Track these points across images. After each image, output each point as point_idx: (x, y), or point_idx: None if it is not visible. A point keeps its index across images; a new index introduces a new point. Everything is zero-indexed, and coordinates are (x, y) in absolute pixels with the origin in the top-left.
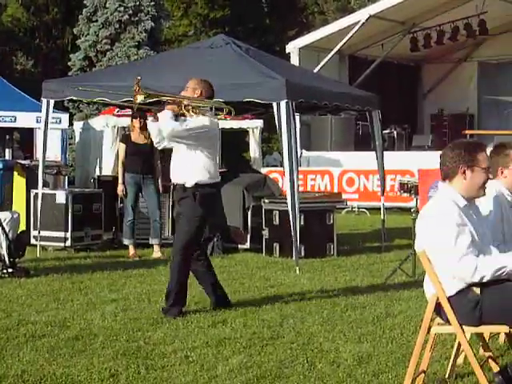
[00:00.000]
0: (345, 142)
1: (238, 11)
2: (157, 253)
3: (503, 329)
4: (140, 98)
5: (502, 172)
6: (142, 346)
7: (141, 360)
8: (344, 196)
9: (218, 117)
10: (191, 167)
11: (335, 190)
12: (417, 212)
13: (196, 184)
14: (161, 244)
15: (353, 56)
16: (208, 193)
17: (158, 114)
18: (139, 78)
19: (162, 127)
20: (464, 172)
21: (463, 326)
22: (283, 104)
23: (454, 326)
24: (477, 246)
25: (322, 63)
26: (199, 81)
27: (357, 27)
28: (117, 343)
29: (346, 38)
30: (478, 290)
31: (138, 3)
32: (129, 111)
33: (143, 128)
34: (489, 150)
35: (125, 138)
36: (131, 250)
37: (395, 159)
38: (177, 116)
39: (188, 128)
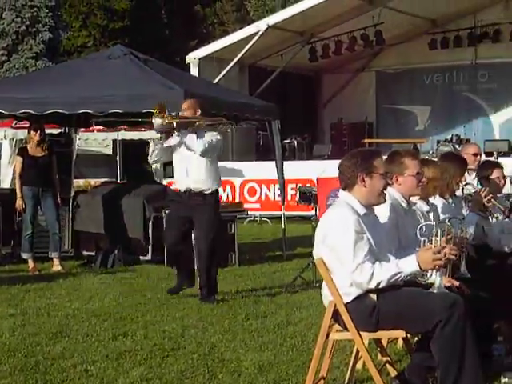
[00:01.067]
0: (246, 152)
1: (137, 22)
2: (57, 266)
3: (400, 334)
4: (161, 122)
5: (397, 179)
6: (40, 360)
7: (39, 375)
8: (246, 206)
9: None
10: (209, 176)
11: (237, 200)
12: (316, 220)
13: (216, 191)
14: (60, 257)
15: (253, 66)
16: (219, 199)
17: (187, 140)
18: (163, 102)
19: (194, 148)
20: (363, 179)
21: (361, 332)
22: None
23: (351, 332)
24: (374, 253)
25: (222, 74)
26: (195, 101)
27: (256, 38)
28: (14, 359)
29: (246, 48)
30: (374, 296)
31: (35, 14)
32: (27, 123)
33: (41, 141)
34: (384, 157)
35: (21, 150)
36: (31, 264)
37: (296, 168)
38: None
39: (214, 144)
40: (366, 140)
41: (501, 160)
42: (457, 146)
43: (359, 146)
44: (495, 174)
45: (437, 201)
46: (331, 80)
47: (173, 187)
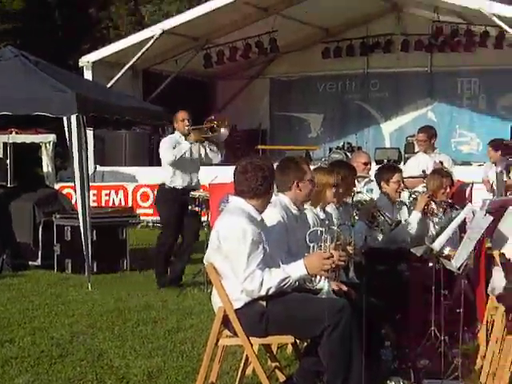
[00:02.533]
0: (139, 157)
1: (30, 23)
2: None
3: (288, 339)
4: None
5: (297, 185)
6: None
7: None
8: (139, 211)
9: None
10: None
11: (129, 205)
12: (208, 226)
13: None
14: None
15: (147, 71)
16: None
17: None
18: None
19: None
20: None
21: (250, 338)
22: (73, 118)
23: (241, 338)
24: (265, 260)
25: (116, 78)
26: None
27: (150, 42)
28: None
29: (140, 52)
30: (263, 302)
31: None
32: None
33: None
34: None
35: None
36: None
37: None
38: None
39: None
40: (259, 147)
41: None
42: (348, 154)
43: (253, 152)
44: (395, 178)
45: (329, 208)
46: (226, 86)
47: (171, 185)
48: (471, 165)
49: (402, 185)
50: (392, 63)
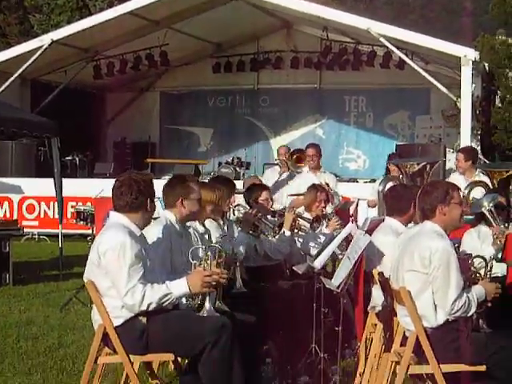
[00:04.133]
0: (26, 168)
1: None
2: None
3: (168, 357)
4: None
5: (182, 202)
6: None
7: None
8: (24, 223)
9: None
10: None
11: (15, 217)
12: (93, 240)
13: None
14: None
15: (36, 81)
16: None
17: None
18: None
19: None
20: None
21: (131, 355)
22: None
23: (120, 356)
24: (147, 275)
25: (3, 87)
26: None
27: (39, 52)
28: None
29: (28, 62)
30: (144, 319)
31: None
32: None
33: None
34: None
35: None
36: None
37: (76, 186)
38: None
39: None
40: (148, 160)
41: None
42: (237, 169)
43: (142, 165)
44: (264, 196)
45: (210, 223)
46: (116, 98)
47: None
48: (358, 182)
49: (270, 202)
50: (282, 79)
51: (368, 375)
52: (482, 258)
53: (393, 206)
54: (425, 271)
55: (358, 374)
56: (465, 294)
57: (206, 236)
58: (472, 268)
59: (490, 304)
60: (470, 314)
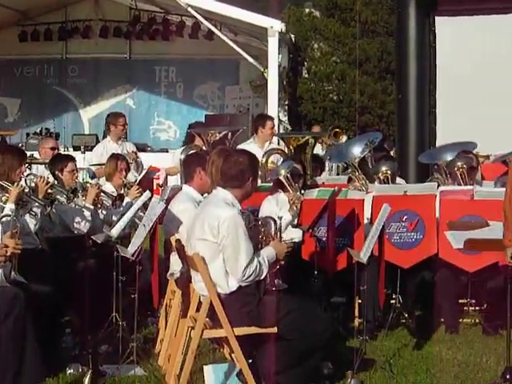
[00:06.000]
0: None
1: None
2: None
3: None
4: None
5: None
6: None
7: None
8: None
9: None
10: None
11: None
12: None
13: None
14: None
15: None
16: None
17: None
18: None
19: None
20: None
21: None
22: None
23: None
24: None
25: None
26: None
27: None
28: None
29: None
30: None
31: None
32: None
33: None
34: None
35: None
36: None
37: None
38: None
39: None
40: None
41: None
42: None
43: None
44: (69, 167)
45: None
46: None
47: None
48: (168, 151)
49: (76, 173)
50: (91, 49)
51: (167, 341)
52: (271, 218)
53: (185, 173)
54: (214, 240)
55: (158, 341)
56: (255, 259)
57: None
58: (263, 231)
59: (282, 262)
60: (263, 276)
